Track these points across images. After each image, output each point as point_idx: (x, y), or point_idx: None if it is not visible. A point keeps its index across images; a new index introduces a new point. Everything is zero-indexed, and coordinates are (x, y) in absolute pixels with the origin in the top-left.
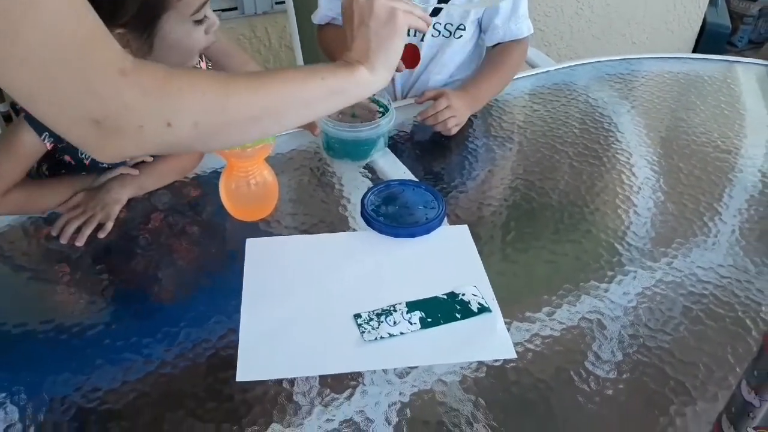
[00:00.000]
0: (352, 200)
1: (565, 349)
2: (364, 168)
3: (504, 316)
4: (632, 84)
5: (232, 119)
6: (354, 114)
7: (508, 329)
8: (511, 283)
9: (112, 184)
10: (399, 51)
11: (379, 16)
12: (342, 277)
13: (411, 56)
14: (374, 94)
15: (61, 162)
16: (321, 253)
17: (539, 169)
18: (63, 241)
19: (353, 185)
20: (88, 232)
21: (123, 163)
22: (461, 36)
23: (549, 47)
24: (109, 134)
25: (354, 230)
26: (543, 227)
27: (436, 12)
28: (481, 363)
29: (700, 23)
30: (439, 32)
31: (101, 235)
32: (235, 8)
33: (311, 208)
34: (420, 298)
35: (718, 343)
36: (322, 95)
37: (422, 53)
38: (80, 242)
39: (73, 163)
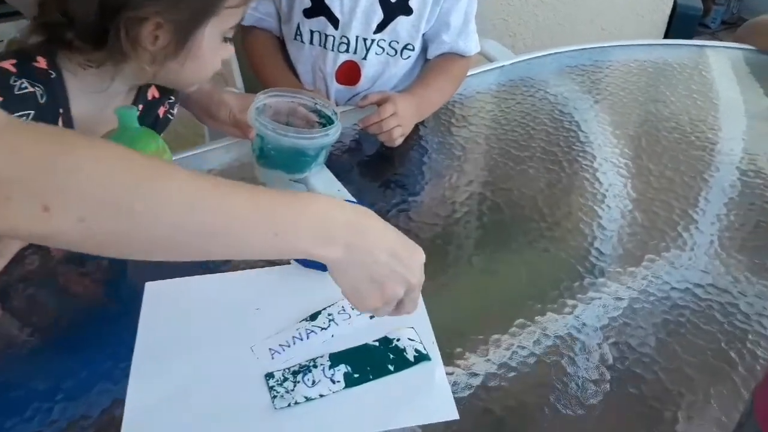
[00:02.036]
0: None
1: (519, 404)
2: (296, 182)
3: (445, 364)
4: (596, 76)
5: (138, 231)
6: (289, 123)
7: (451, 381)
8: (455, 321)
9: None
10: (367, 295)
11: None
12: (255, 326)
13: (351, 74)
14: (317, 104)
15: None
16: (230, 297)
17: (492, 179)
18: None
19: None
20: None
21: None
22: (409, 57)
23: (514, 38)
24: None
25: (272, 265)
26: (494, 248)
27: (380, 27)
28: (417, 427)
29: (670, 6)
30: (383, 50)
31: None
32: None
33: None
34: (348, 346)
35: (699, 384)
36: (264, 249)
37: (364, 72)
38: None
39: None
